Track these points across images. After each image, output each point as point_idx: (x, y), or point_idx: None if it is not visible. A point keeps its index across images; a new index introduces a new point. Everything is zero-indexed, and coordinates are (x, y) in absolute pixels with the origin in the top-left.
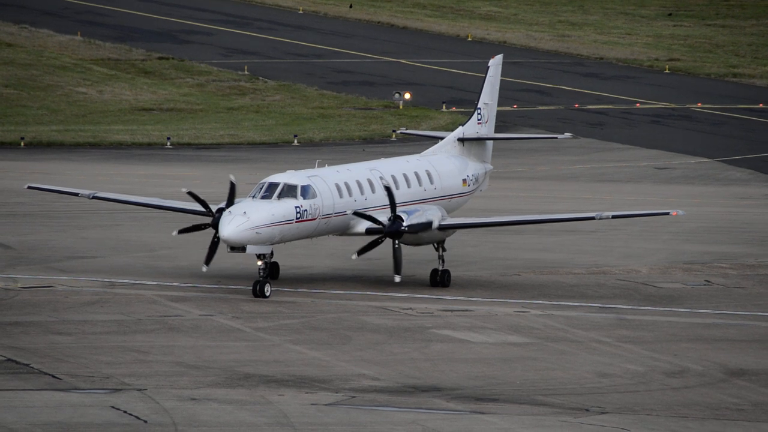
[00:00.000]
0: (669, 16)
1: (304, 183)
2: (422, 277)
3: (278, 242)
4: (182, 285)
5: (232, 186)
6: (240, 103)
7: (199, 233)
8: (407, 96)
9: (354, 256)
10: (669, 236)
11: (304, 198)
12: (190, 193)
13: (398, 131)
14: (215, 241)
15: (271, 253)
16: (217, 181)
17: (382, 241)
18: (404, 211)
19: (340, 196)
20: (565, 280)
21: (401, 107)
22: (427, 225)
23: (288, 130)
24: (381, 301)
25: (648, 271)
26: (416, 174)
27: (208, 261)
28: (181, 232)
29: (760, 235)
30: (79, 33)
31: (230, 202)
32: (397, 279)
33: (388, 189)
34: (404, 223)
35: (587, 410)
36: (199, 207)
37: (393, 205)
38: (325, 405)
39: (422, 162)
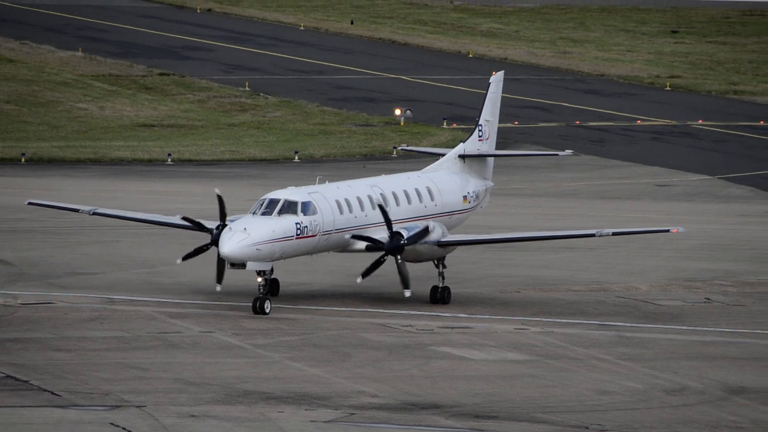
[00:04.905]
0: (674, 33)
1: (305, 199)
2: (422, 294)
3: (278, 259)
4: (182, 301)
5: (220, 199)
6: (241, 120)
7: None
8: (408, 113)
9: (359, 280)
10: (669, 253)
11: (305, 214)
12: (185, 218)
13: (399, 148)
14: (221, 258)
15: (271, 270)
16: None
17: (385, 259)
18: (404, 228)
19: (341, 212)
20: (565, 297)
21: (402, 124)
22: (425, 234)
23: (289, 146)
24: (381, 318)
25: (648, 289)
26: (417, 190)
27: (219, 279)
28: (185, 258)
29: (761, 253)
30: (80, 49)
31: (222, 215)
32: (407, 293)
33: (381, 207)
34: (403, 238)
35: (587, 428)
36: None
37: (389, 222)
38: (325, 422)
39: (423, 179)
